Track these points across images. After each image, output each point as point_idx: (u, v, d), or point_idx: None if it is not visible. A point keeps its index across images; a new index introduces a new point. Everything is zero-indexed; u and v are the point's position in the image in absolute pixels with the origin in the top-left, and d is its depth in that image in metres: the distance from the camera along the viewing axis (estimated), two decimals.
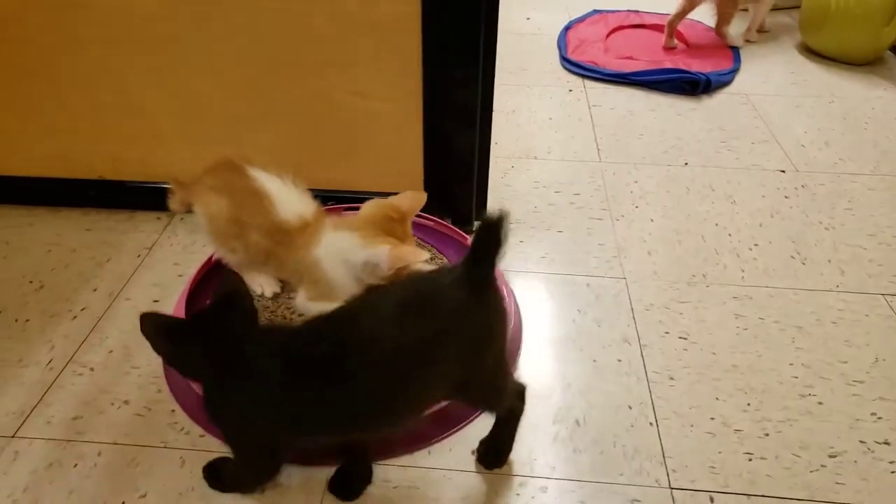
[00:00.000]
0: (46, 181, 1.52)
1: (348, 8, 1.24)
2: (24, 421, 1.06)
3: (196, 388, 1.04)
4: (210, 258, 1.30)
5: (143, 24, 1.30)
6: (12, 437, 1.03)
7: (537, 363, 1.18)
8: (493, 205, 1.54)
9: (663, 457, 1.02)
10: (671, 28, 2.42)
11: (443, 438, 1.04)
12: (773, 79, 2.22)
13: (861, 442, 1.04)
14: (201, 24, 1.29)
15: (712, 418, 1.08)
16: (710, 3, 2.42)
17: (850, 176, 1.70)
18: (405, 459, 1.01)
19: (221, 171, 1.16)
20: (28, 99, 1.41)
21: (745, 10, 2.54)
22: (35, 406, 1.08)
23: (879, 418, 1.08)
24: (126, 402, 1.09)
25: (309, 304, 1.10)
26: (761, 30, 2.56)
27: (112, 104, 1.40)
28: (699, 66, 2.23)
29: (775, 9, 2.62)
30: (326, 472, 0.98)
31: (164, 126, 1.41)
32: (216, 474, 0.97)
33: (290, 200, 1.12)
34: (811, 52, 2.40)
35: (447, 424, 1.05)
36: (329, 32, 1.28)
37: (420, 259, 1.02)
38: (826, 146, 1.83)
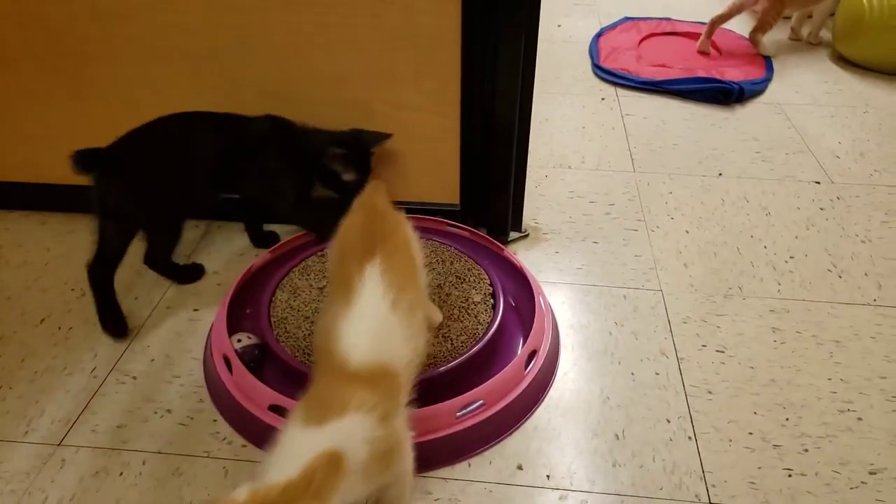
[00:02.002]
0: (88, 188, 1.54)
1: (390, 22, 1.26)
2: (70, 428, 1.08)
3: (239, 398, 1.06)
4: (250, 268, 1.32)
5: (184, 38, 1.32)
6: (59, 444, 1.06)
7: (576, 376, 1.18)
8: (528, 215, 1.55)
9: (702, 471, 1.02)
10: (711, 28, 2.41)
11: (482, 451, 1.04)
12: (806, 88, 2.21)
13: None
14: (243, 38, 1.31)
15: (751, 433, 1.08)
16: (755, 8, 2.40)
17: (886, 188, 1.69)
18: (446, 472, 1.02)
19: None
20: (73, 110, 1.44)
21: (788, 17, 2.52)
22: (80, 414, 1.11)
23: None
24: (169, 411, 1.11)
25: None
26: (797, 38, 2.53)
27: (153, 115, 1.41)
28: (732, 74, 2.22)
29: (810, 16, 2.59)
30: None
31: None
32: None
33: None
34: (845, 62, 2.38)
35: (487, 438, 1.05)
36: (370, 45, 1.29)
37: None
38: (861, 157, 1.82)
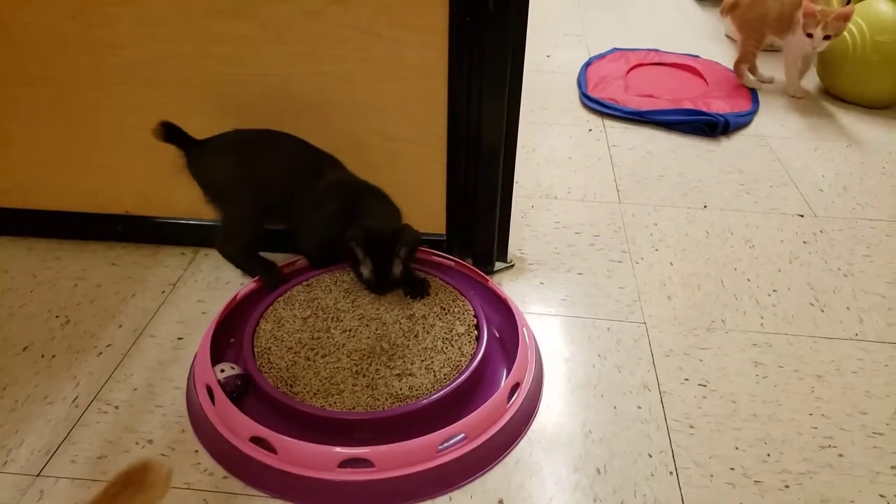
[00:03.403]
0: (75, 215, 1.55)
1: (378, 55, 1.27)
2: (49, 459, 1.07)
3: (220, 429, 1.05)
4: (235, 296, 1.32)
5: (174, 66, 1.33)
6: (37, 475, 1.05)
7: (558, 409, 1.18)
8: (514, 245, 1.56)
9: None
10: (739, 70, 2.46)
11: (463, 485, 1.04)
12: (791, 121, 2.24)
13: (881, 496, 1.04)
14: (233, 67, 1.32)
15: (732, 468, 1.08)
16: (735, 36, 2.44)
17: (867, 221, 1.71)
18: None
19: None
20: (61, 135, 1.44)
21: (776, 50, 2.54)
22: (60, 444, 1.10)
23: None
24: (150, 442, 1.10)
25: None
26: (764, 80, 2.53)
27: (142, 142, 1.42)
28: (718, 106, 2.25)
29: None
30: None
31: None
32: None
33: None
34: (829, 95, 2.42)
35: (468, 472, 1.05)
36: (358, 77, 1.31)
37: None
38: (844, 191, 1.84)
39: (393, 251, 1.25)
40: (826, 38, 2.17)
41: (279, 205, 1.33)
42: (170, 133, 1.30)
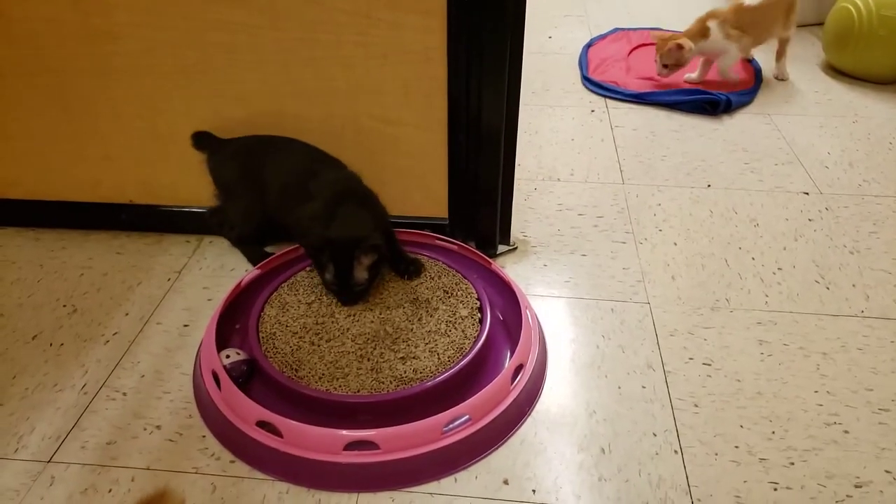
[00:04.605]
0: (79, 205, 1.56)
1: (377, 39, 1.27)
2: (60, 445, 1.09)
3: (227, 414, 1.06)
4: (239, 283, 1.32)
5: (172, 54, 1.33)
6: (48, 461, 1.06)
7: (563, 390, 1.18)
8: (517, 228, 1.56)
9: (688, 485, 1.02)
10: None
11: (469, 466, 1.05)
12: (795, 98, 2.22)
13: (887, 472, 1.04)
14: (231, 54, 1.32)
15: (737, 447, 1.08)
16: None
17: (874, 198, 1.70)
18: (432, 487, 1.02)
19: None
20: (62, 126, 1.45)
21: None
22: (70, 430, 1.11)
23: None
24: (158, 427, 1.12)
25: None
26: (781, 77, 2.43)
27: (143, 131, 1.43)
28: (719, 85, 2.23)
29: (798, 26, 2.60)
30: None
31: (194, 152, 1.44)
32: None
33: None
34: (835, 71, 2.40)
35: (473, 453, 1.06)
36: (357, 62, 1.30)
37: None
38: (850, 167, 1.83)
39: (352, 258, 1.22)
40: (665, 66, 2.19)
41: (280, 206, 1.36)
42: (201, 141, 1.40)
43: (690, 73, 2.30)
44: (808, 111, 2.14)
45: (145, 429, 1.11)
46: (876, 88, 2.27)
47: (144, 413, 1.14)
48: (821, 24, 2.52)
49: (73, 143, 1.47)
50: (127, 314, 1.35)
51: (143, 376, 1.21)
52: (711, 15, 2.19)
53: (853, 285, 1.41)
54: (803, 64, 2.48)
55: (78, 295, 1.40)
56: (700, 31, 2.17)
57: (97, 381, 1.20)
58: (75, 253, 1.52)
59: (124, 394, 1.18)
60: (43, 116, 1.44)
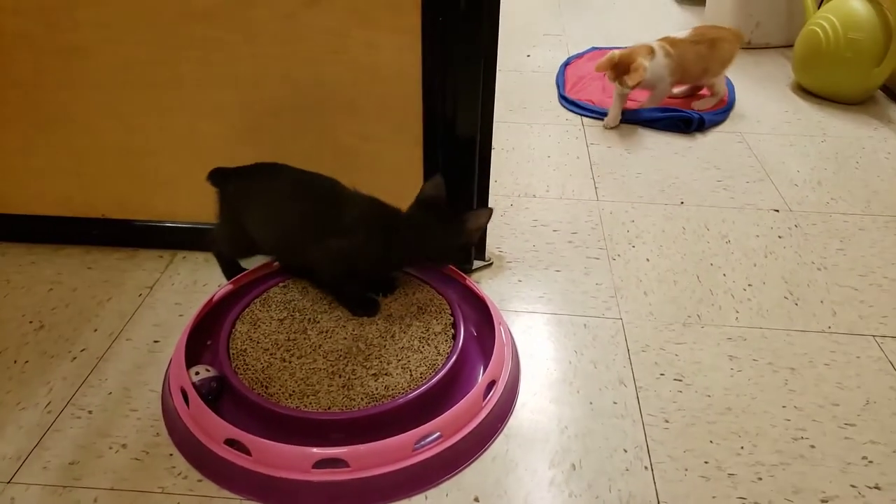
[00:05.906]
0: (49, 220, 1.54)
1: (351, 57, 1.27)
2: (21, 466, 1.06)
3: (195, 432, 1.05)
4: (211, 298, 1.31)
5: (146, 69, 1.32)
6: (8, 482, 1.04)
7: (535, 406, 1.18)
8: (492, 243, 1.56)
9: (658, 501, 1.02)
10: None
11: (440, 483, 1.04)
12: (766, 117, 2.26)
13: (852, 486, 1.05)
14: (206, 69, 1.32)
15: (706, 462, 1.09)
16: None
17: (841, 216, 1.72)
18: None
19: None
20: (33, 140, 1.43)
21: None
22: (32, 450, 1.09)
23: (870, 462, 1.09)
24: (124, 446, 1.10)
25: None
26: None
27: (116, 146, 1.42)
28: (695, 105, 2.26)
29: (768, 48, 2.66)
30: None
31: (168, 167, 1.43)
32: None
33: None
34: (804, 91, 2.44)
35: (444, 470, 1.05)
36: (333, 79, 1.30)
37: None
38: (818, 185, 1.86)
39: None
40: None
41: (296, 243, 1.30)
42: (218, 177, 1.31)
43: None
44: (778, 130, 2.17)
45: (111, 448, 1.10)
46: (843, 108, 2.31)
47: (110, 431, 1.12)
48: (790, 45, 2.57)
49: (45, 157, 1.45)
50: (96, 330, 1.33)
51: (110, 394, 1.19)
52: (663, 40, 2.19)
53: (821, 301, 1.43)
54: (774, 84, 2.52)
55: (46, 311, 1.38)
56: (648, 51, 2.14)
57: (62, 399, 1.18)
58: (44, 268, 1.50)
59: (90, 412, 1.16)
60: (13, 130, 1.42)
